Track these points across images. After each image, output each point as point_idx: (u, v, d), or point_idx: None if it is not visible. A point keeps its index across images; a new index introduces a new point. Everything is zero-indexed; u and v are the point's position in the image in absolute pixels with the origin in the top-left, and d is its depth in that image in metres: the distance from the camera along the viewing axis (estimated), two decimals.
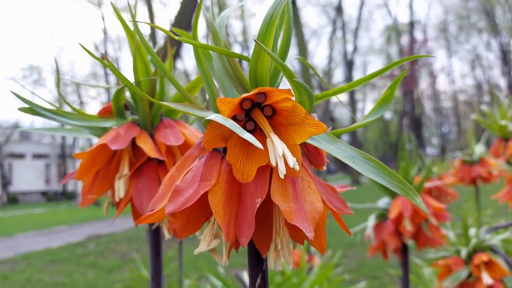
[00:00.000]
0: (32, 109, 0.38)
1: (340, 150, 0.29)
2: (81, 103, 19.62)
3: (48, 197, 27.88)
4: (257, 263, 0.32)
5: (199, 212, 0.32)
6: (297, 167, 0.25)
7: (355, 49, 23.61)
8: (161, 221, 0.30)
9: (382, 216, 0.97)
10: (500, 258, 0.91)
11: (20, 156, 29.13)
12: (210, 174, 0.28)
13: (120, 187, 0.39)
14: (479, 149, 1.46)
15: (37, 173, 28.82)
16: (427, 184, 1.33)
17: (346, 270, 3.69)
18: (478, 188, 1.41)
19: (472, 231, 0.95)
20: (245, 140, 0.29)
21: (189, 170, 0.29)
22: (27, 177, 28.98)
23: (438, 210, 0.92)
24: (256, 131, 0.29)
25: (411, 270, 1.53)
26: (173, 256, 3.13)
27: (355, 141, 21.02)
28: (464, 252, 0.90)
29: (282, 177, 0.25)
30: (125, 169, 0.39)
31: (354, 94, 23.48)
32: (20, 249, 6.55)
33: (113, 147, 0.37)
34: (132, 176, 0.40)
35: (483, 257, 0.89)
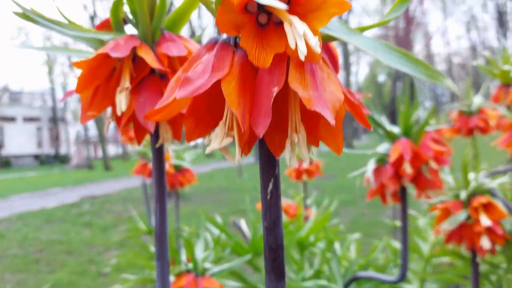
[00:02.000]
0: (26, 15, 0.35)
1: (362, 41, 0.27)
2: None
3: (41, 160, 27.83)
4: (269, 168, 0.31)
5: (209, 113, 0.30)
6: (318, 49, 0.23)
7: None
8: (170, 117, 0.28)
9: (382, 161, 0.96)
10: (498, 201, 0.92)
11: (11, 119, 28.82)
12: (222, 65, 0.26)
13: (121, 100, 0.37)
14: (477, 99, 1.45)
15: (28, 136, 28.64)
16: (428, 129, 1.32)
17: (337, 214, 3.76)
18: (475, 139, 1.40)
19: (471, 176, 0.96)
20: (260, 28, 0.26)
21: (199, 63, 0.27)
22: (19, 140, 28.80)
23: (439, 154, 0.92)
24: (270, 24, 0.27)
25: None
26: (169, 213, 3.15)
27: None
28: (463, 194, 0.91)
29: (303, 58, 0.23)
30: (126, 82, 0.37)
31: (348, 57, 23.27)
32: (15, 209, 6.59)
33: (114, 55, 0.35)
34: (133, 91, 0.38)
35: (482, 199, 0.89)
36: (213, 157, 19.88)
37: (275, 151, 0.30)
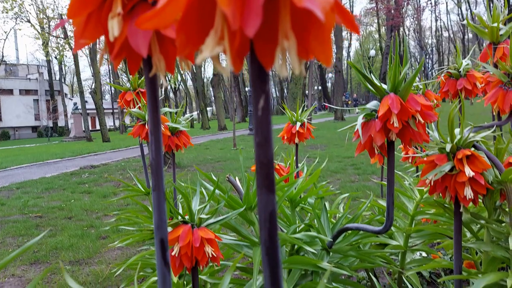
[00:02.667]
0: None
1: None
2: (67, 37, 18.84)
3: (39, 132, 27.80)
4: (260, 85, 0.33)
5: (200, 26, 0.32)
6: None
7: None
8: (163, 25, 0.31)
9: (371, 116, 0.99)
10: (482, 153, 0.95)
11: (8, 91, 28.57)
12: None
13: (114, 26, 0.39)
14: (465, 62, 1.47)
15: (26, 108, 28.51)
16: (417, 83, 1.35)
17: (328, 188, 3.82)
18: (462, 101, 1.43)
19: (456, 130, 0.99)
20: None
21: None
22: (17, 112, 28.64)
23: (426, 108, 0.94)
24: None
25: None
26: (167, 179, 3.20)
27: (340, 78, 20.85)
28: (448, 147, 0.94)
29: None
30: (118, 8, 0.39)
31: (340, 32, 22.98)
32: (14, 179, 6.65)
33: None
34: (125, 18, 0.40)
35: (466, 151, 0.93)
36: (209, 130, 19.88)
37: (265, 62, 0.32)
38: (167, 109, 1.64)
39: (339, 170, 5.75)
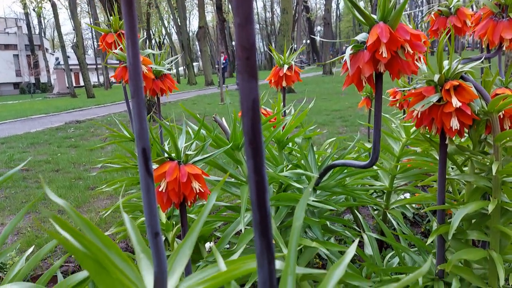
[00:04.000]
0: None
1: None
2: None
3: (21, 89, 27.13)
4: None
5: None
6: None
7: None
8: None
9: (359, 47, 0.97)
10: (470, 84, 0.95)
11: None
12: None
13: None
14: (455, 0, 1.43)
15: (6, 64, 27.62)
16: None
17: (317, 143, 3.85)
18: (452, 36, 1.40)
19: (445, 62, 0.97)
20: None
21: None
22: None
23: (415, 38, 0.92)
24: None
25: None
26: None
27: (329, 31, 20.47)
28: (436, 77, 0.93)
29: None
30: None
31: None
32: None
33: None
34: None
35: (454, 82, 0.92)
36: (195, 86, 19.59)
37: None
38: (150, 50, 1.59)
39: (327, 122, 5.77)
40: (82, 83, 24.54)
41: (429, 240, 0.99)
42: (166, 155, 1.07)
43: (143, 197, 0.45)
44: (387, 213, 1.54)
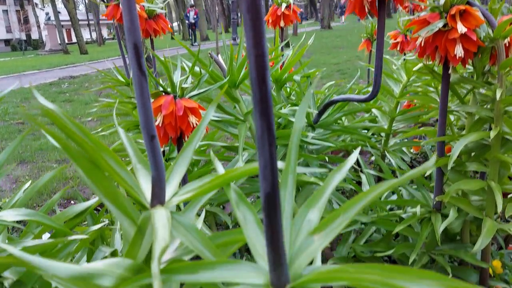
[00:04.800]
0: None
1: None
2: None
3: (12, 46, 26.50)
4: None
5: None
6: None
7: None
8: None
9: None
10: (476, 8, 0.91)
11: None
12: None
13: None
14: None
15: None
16: None
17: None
18: None
19: None
20: None
21: None
22: None
23: None
24: None
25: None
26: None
27: None
28: (442, 1, 0.89)
29: None
30: None
31: None
32: None
33: None
34: None
35: (460, 7, 0.88)
36: (190, 41, 19.19)
37: None
38: None
39: (325, 76, 5.70)
40: (74, 40, 23.95)
41: (428, 172, 0.99)
42: (161, 89, 1.04)
43: (137, 98, 0.43)
44: (386, 155, 1.53)
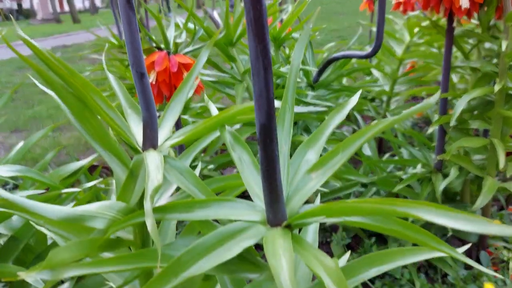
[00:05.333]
0: None
1: None
2: None
3: (3, 15, 25.83)
4: None
5: None
6: None
7: None
8: None
9: None
10: None
11: None
12: None
13: None
14: None
15: None
16: None
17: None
18: None
19: None
20: None
21: None
22: None
23: None
24: None
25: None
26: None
27: None
28: None
29: None
30: None
31: None
32: None
33: None
34: None
35: None
36: None
37: None
38: None
39: (324, 42, 5.58)
40: (66, 9, 23.43)
41: (430, 130, 0.97)
42: (154, 45, 1.00)
43: (125, 33, 0.40)
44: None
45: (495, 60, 0.94)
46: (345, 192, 1.19)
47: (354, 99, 0.44)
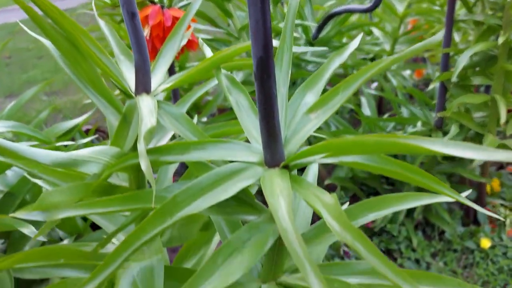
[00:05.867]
0: None
1: None
2: None
3: None
4: None
5: None
6: None
7: None
8: None
9: None
10: None
11: None
12: None
13: None
14: None
15: None
16: None
17: None
18: None
19: None
20: None
21: None
22: None
23: None
24: None
25: None
26: None
27: None
28: None
29: None
30: None
31: None
32: None
33: None
34: None
35: None
36: None
37: None
38: None
39: (323, 1, 5.45)
40: None
41: (431, 86, 0.95)
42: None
43: None
44: (387, 75, 1.48)
45: (499, 13, 0.91)
46: None
47: (355, 42, 0.42)
